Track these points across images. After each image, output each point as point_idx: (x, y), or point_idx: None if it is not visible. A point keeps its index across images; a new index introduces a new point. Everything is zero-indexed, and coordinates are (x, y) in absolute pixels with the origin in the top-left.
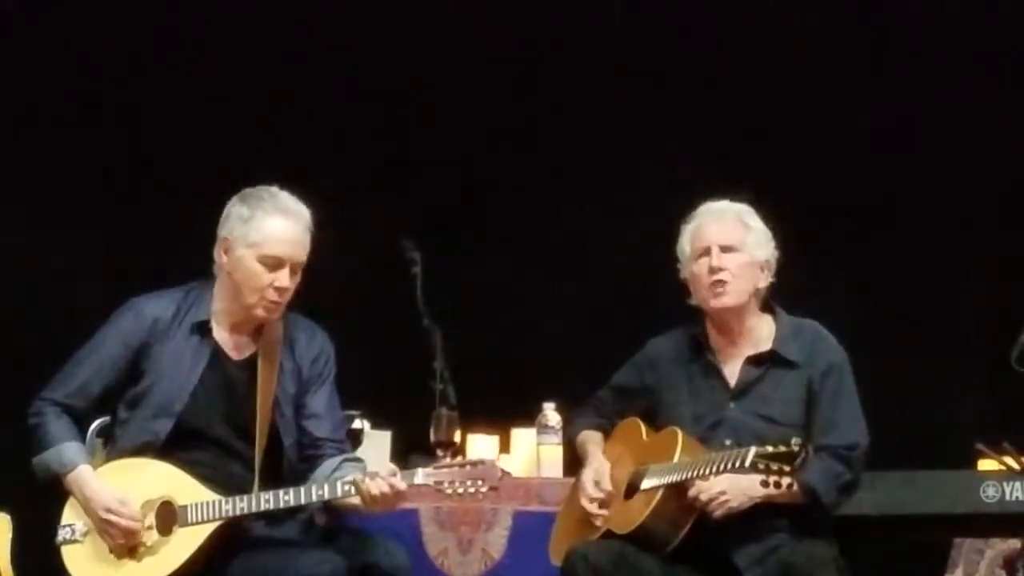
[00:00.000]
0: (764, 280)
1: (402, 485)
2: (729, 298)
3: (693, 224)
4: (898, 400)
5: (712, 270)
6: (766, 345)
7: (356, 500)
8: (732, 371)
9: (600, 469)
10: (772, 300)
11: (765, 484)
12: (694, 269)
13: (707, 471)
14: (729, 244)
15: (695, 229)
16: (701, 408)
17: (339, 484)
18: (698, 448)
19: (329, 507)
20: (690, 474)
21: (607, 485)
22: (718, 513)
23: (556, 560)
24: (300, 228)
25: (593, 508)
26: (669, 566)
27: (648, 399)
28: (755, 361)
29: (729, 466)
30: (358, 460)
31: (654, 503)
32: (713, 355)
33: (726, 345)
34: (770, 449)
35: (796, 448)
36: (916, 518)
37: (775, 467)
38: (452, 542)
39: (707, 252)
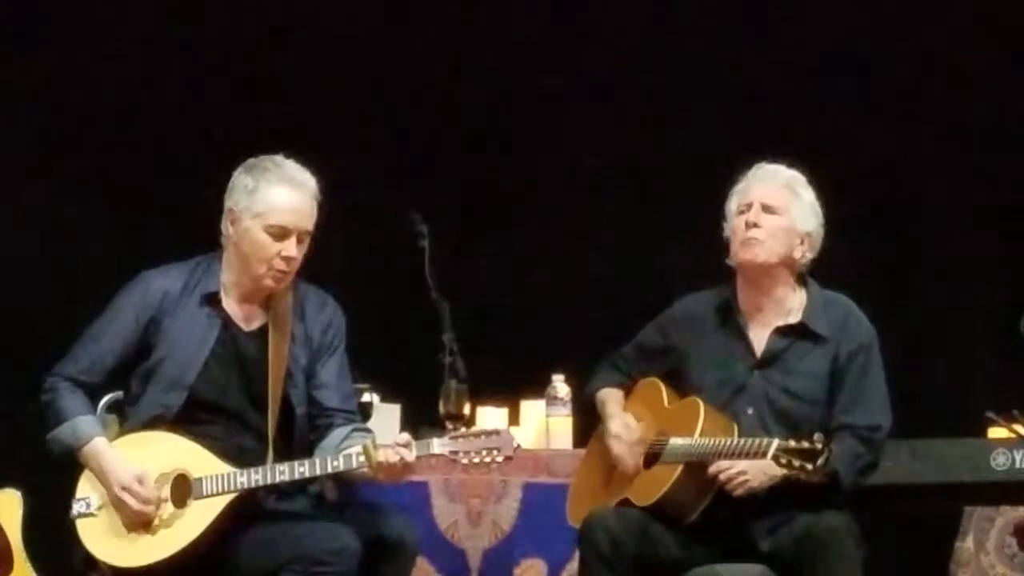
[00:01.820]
0: (800, 252)
1: (411, 456)
2: (757, 253)
3: (743, 183)
4: (908, 369)
5: (748, 225)
6: (796, 317)
7: (366, 469)
8: (760, 339)
9: (627, 421)
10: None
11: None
12: (734, 224)
13: (727, 453)
14: (771, 204)
15: (743, 187)
16: (725, 374)
17: (353, 455)
18: (719, 420)
19: (339, 477)
20: (711, 452)
21: (636, 431)
22: (738, 492)
23: (573, 522)
24: (305, 197)
25: (623, 450)
26: (686, 537)
27: (671, 359)
28: (783, 332)
29: (749, 453)
30: (367, 430)
31: (674, 478)
32: (742, 319)
33: (755, 311)
34: (792, 444)
35: (819, 446)
36: (926, 487)
37: (796, 463)
38: (462, 514)
39: (749, 208)
